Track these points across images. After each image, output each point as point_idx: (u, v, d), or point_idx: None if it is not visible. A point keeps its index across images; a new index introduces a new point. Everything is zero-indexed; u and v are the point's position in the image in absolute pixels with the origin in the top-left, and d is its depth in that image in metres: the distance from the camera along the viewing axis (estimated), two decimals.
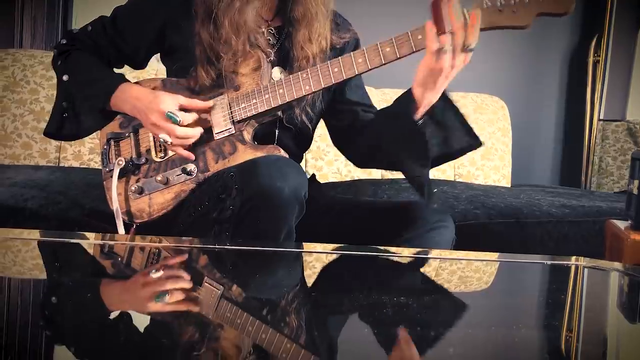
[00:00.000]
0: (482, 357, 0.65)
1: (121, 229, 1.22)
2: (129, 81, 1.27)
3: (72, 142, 2.01)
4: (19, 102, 2.00)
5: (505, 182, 2.41)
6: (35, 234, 1.11)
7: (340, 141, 1.42)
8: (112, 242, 1.08)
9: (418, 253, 1.08)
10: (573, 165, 2.90)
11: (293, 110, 1.26)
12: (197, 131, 1.20)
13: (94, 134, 2.00)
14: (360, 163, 1.44)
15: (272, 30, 1.28)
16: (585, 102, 2.84)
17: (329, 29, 1.28)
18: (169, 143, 1.19)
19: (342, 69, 1.15)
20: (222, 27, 1.20)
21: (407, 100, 1.16)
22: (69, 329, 0.66)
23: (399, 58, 1.13)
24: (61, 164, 2.01)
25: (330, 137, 1.43)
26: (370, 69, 1.15)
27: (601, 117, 2.84)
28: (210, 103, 1.21)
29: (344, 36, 1.32)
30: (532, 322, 0.79)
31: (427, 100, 1.14)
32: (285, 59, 1.27)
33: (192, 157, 1.21)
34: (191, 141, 1.20)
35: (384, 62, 1.14)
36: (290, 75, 1.18)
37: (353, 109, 1.36)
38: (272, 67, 1.26)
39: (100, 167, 1.96)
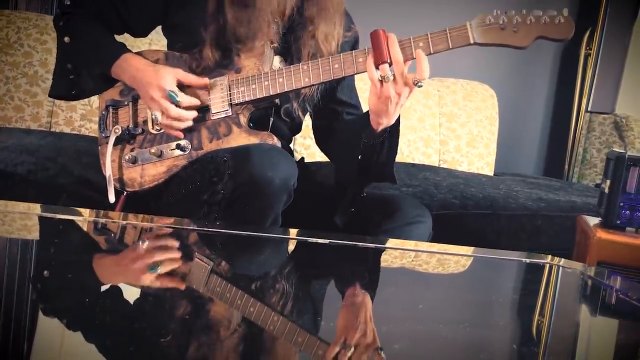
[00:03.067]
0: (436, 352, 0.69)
1: (112, 196, 1.25)
2: (130, 51, 1.28)
3: (64, 107, 2.03)
4: (12, 64, 2.01)
5: (489, 170, 2.46)
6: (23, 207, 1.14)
7: (318, 138, 1.45)
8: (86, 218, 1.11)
9: (395, 244, 1.12)
10: (557, 155, 2.95)
11: (291, 104, 1.28)
12: (191, 115, 1.21)
13: (88, 100, 2.04)
14: (332, 161, 1.46)
15: (276, 19, 1.28)
16: (574, 93, 2.88)
17: (340, 30, 1.29)
18: (158, 121, 1.21)
19: (342, 66, 1.16)
20: (259, 11, 1.21)
21: (364, 122, 1.19)
22: (57, 301, 0.70)
23: None
24: (52, 129, 2.02)
25: (313, 132, 1.45)
26: None
27: (589, 109, 2.88)
28: (206, 80, 1.22)
29: (346, 34, 1.33)
30: (491, 319, 0.84)
31: (382, 125, 1.17)
32: (287, 51, 1.28)
33: (181, 135, 1.23)
34: (182, 125, 1.22)
35: None
36: (291, 66, 1.19)
37: (337, 109, 1.38)
38: (274, 55, 1.26)
39: (91, 135, 2.00)
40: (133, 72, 1.23)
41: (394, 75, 1.09)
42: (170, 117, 1.20)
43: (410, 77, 1.10)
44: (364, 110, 1.41)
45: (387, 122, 1.16)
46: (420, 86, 1.10)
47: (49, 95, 1.35)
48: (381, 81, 1.09)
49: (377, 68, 1.10)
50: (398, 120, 1.19)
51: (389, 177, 1.26)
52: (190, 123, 1.22)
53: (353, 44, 1.38)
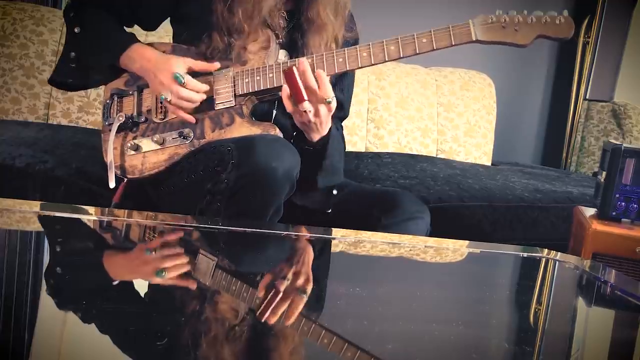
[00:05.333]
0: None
1: (112, 182, 1.26)
2: (140, 41, 1.29)
3: (61, 99, 2.03)
4: (9, 56, 2.00)
5: (486, 160, 2.46)
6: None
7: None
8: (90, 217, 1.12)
9: (392, 238, 1.13)
10: (555, 143, 2.96)
11: None
12: (200, 97, 1.23)
13: (85, 92, 2.04)
14: None
15: (283, 13, 1.30)
16: (572, 81, 2.87)
17: (342, 32, 1.31)
18: (169, 101, 1.21)
19: (346, 60, 1.18)
20: (236, 13, 1.23)
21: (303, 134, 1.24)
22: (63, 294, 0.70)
23: (402, 57, 1.18)
24: (50, 121, 2.02)
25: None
26: (373, 64, 1.19)
27: (587, 97, 2.88)
28: (217, 65, 1.24)
29: (347, 35, 1.35)
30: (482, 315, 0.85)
31: (316, 139, 1.22)
32: (293, 46, 1.29)
33: (193, 120, 1.24)
34: (192, 106, 1.23)
35: (386, 59, 1.18)
36: (296, 59, 1.21)
37: None
38: (280, 49, 1.29)
39: (89, 127, 2.00)
40: (143, 61, 1.25)
41: (313, 107, 1.14)
42: (181, 97, 1.21)
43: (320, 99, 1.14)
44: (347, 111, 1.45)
45: (319, 135, 1.22)
46: (329, 102, 1.15)
47: (50, 82, 1.36)
48: (299, 111, 1.14)
49: (292, 103, 1.14)
50: (330, 130, 1.23)
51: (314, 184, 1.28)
52: (198, 102, 1.23)
53: (353, 45, 1.39)
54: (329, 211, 1.31)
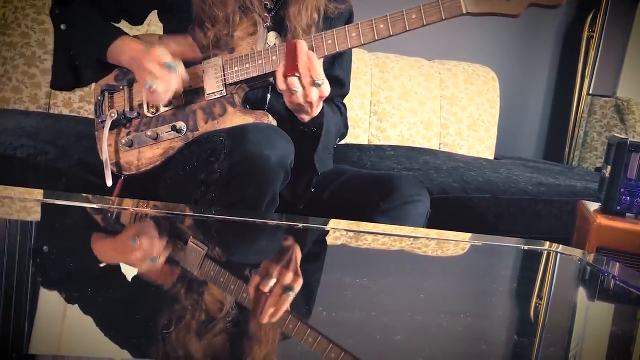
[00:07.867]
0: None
1: (109, 180, 1.26)
2: (127, 34, 1.28)
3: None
4: (10, 45, 1.99)
5: (489, 154, 2.46)
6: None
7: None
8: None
9: (393, 230, 1.12)
10: (558, 137, 2.95)
11: None
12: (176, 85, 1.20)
13: None
14: None
15: None
16: (575, 76, 2.86)
17: (323, 2, 1.29)
18: (152, 88, 1.19)
19: (335, 41, 1.17)
20: (207, 1, 1.22)
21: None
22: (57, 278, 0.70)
23: (392, 35, 1.16)
24: (51, 111, 2.01)
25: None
26: (363, 44, 1.18)
27: (590, 92, 2.87)
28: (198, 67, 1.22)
29: (339, 7, 1.34)
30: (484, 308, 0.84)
31: (306, 120, 1.21)
32: (281, 26, 1.28)
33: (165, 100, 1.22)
34: (167, 98, 1.21)
35: (376, 38, 1.16)
36: (284, 43, 1.20)
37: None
38: (268, 32, 1.27)
39: (90, 116, 1.99)
40: (130, 52, 1.23)
41: (302, 86, 1.13)
42: (166, 82, 1.19)
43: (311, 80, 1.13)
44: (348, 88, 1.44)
45: (309, 117, 1.20)
46: (319, 84, 1.13)
47: (52, 87, 1.36)
48: (289, 91, 1.13)
49: (285, 79, 1.13)
50: (322, 111, 1.21)
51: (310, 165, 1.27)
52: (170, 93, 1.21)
53: (348, 18, 1.39)
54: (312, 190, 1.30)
